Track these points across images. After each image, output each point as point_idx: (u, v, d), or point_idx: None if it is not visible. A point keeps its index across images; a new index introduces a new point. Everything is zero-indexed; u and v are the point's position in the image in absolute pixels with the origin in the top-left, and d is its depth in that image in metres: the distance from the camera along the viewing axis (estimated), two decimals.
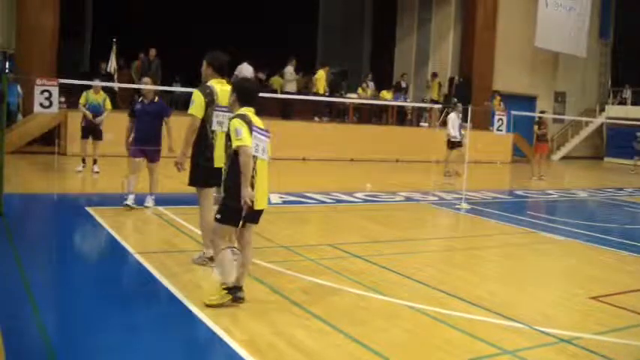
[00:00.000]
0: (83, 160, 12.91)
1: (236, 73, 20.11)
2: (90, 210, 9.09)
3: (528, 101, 26.54)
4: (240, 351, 4.42)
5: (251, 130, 5.23)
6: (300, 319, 5.15)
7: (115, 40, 18.26)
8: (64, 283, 6.04)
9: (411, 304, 5.70)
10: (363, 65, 29.27)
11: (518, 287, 6.78)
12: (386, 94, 22.59)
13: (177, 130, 10.08)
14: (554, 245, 9.07)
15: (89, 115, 12.73)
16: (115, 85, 16.89)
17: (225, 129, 6.24)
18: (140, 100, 9.57)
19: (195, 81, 7.62)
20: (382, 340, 4.78)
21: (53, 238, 7.99)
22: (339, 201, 11.56)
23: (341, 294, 5.57)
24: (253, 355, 4.34)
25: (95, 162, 12.94)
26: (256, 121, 5.36)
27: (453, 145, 17.16)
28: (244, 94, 5.50)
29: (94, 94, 12.84)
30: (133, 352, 4.38)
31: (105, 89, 13.32)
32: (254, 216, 5.39)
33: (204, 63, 6.45)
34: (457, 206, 11.68)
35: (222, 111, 6.23)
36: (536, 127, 18.34)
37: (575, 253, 8.71)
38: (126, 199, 9.21)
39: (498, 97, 23.68)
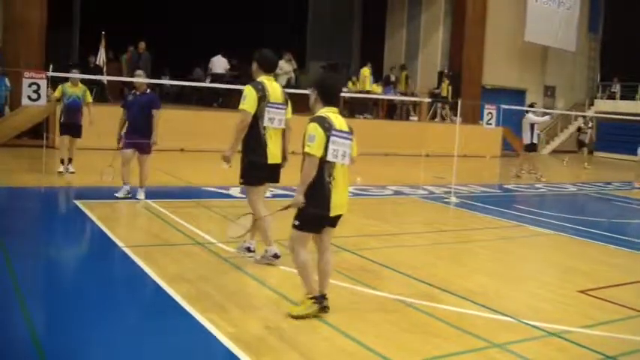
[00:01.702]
0: (62, 162, 11.73)
1: (210, 66, 20.10)
2: (78, 203, 9.04)
3: (518, 95, 26.60)
4: (229, 344, 4.41)
5: (329, 137, 4.83)
6: None
7: (103, 32, 18.14)
8: (51, 277, 6.02)
9: (400, 298, 5.71)
10: (353, 59, 29.22)
11: (507, 281, 6.81)
12: (375, 88, 22.54)
13: (165, 123, 10.11)
14: (542, 239, 9.12)
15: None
16: (104, 77, 16.80)
17: (277, 125, 6.23)
18: (133, 92, 9.84)
19: (185, 74, 7.60)
20: (372, 334, 4.79)
21: (41, 232, 7.93)
22: None
23: (331, 288, 5.56)
24: (242, 349, 4.33)
25: (70, 161, 11.81)
26: (339, 122, 4.94)
27: (530, 148, 16.74)
28: (327, 92, 5.01)
29: (72, 87, 11.83)
30: (120, 346, 4.36)
31: (93, 82, 13.06)
32: (333, 220, 5.07)
33: (253, 62, 6.48)
34: (446, 200, 11.72)
35: (274, 107, 6.28)
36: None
37: (563, 247, 8.76)
38: (117, 192, 9.39)
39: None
